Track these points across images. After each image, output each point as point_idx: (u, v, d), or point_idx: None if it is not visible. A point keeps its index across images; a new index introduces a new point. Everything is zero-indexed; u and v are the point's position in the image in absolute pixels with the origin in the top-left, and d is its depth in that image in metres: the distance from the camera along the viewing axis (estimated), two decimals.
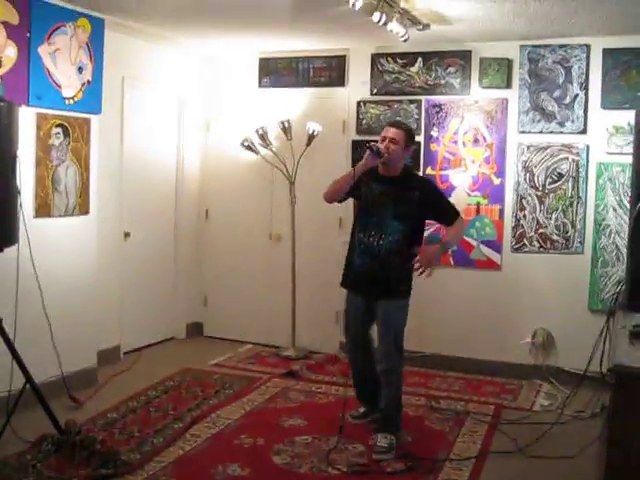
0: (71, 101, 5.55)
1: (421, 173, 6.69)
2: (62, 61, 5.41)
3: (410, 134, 4.89)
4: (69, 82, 5.50)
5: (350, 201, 6.92)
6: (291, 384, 6.11)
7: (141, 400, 5.57)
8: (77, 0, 5.37)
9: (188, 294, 7.69)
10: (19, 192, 4.43)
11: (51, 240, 5.45)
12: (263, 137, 6.88)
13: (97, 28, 5.73)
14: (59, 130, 5.46)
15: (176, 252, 7.58)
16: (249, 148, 6.92)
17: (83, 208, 5.77)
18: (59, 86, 5.41)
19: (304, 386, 6.07)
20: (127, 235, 6.75)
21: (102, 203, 6.07)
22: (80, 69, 5.60)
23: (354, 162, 6.89)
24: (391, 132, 4.78)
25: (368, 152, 4.69)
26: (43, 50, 5.23)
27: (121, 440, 4.71)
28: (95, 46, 5.72)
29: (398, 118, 6.67)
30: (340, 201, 5.12)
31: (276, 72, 7.32)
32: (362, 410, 5.22)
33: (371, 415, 5.12)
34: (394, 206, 4.72)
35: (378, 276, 4.76)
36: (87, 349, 5.92)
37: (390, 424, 4.77)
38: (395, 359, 4.80)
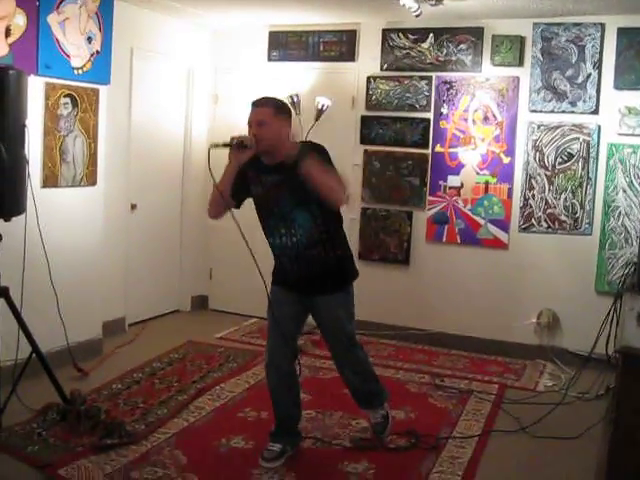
0: (80, 71, 5.51)
1: (430, 150, 6.66)
2: (71, 30, 5.37)
3: (282, 108, 4.04)
4: (78, 52, 5.47)
5: (358, 176, 6.93)
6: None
7: (146, 372, 5.59)
8: None
9: (193, 267, 7.69)
10: (27, 162, 4.42)
11: (58, 210, 5.44)
12: None
13: None
14: (67, 100, 5.44)
15: (182, 225, 7.58)
16: None
17: (90, 179, 5.75)
18: (68, 56, 5.37)
19: (308, 361, 6.07)
20: (134, 207, 6.74)
21: (109, 174, 6.06)
22: (89, 39, 5.56)
23: (362, 138, 6.89)
24: (255, 113, 3.97)
25: (231, 148, 4.01)
26: (52, 19, 5.19)
27: (126, 411, 4.74)
28: (104, 16, 5.68)
29: (408, 94, 6.65)
30: (236, 207, 4.37)
31: (286, 46, 7.26)
32: (277, 448, 4.20)
33: (290, 451, 4.26)
34: (290, 194, 3.98)
35: (310, 275, 4.21)
36: (93, 320, 5.94)
37: (375, 399, 4.54)
38: (356, 355, 4.46)
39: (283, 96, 6.74)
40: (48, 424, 4.40)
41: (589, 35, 6.11)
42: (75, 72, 5.47)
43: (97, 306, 5.99)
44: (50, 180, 5.36)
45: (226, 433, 4.48)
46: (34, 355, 4.56)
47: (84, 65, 5.54)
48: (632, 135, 5.97)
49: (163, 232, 7.31)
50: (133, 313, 6.83)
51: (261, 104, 3.99)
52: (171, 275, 7.47)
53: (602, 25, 6.07)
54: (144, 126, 6.78)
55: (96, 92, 5.73)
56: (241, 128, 7.24)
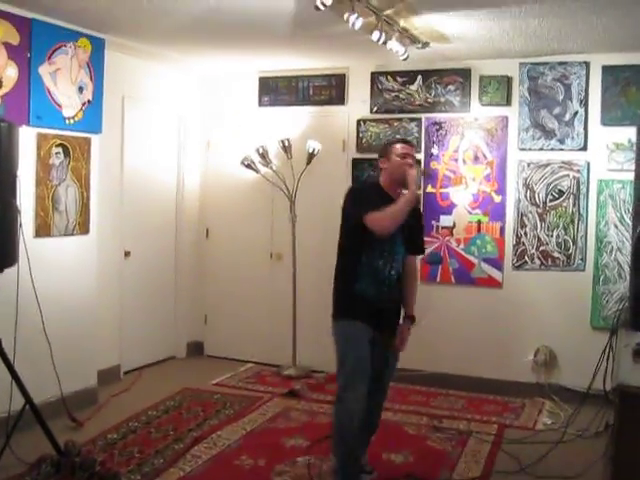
0: (71, 121, 5.55)
1: (422, 191, 6.69)
2: (62, 81, 5.43)
3: None
4: (69, 102, 5.51)
5: None
6: (292, 404, 6.08)
7: (142, 420, 5.53)
8: (78, 20, 5.40)
9: (188, 313, 7.67)
10: (19, 212, 4.43)
11: (51, 260, 5.43)
12: (263, 156, 6.88)
13: (97, 48, 5.75)
14: (59, 150, 5.47)
15: (176, 271, 7.57)
16: (249, 167, 6.91)
17: (83, 227, 5.76)
18: (59, 106, 5.42)
19: (305, 406, 6.04)
20: (127, 254, 6.74)
21: (102, 222, 6.06)
22: (80, 89, 5.61)
23: (354, 179, 6.92)
24: (410, 150, 4.33)
25: (421, 175, 4.27)
26: (44, 70, 5.25)
27: (121, 461, 4.68)
28: (95, 66, 5.74)
29: (398, 136, 6.69)
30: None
31: (276, 91, 7.33)
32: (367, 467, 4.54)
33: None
34: (402, 230, 4.18)
35: (392, 307, 4.39)
36: (87, 369, 5.90)
37: None
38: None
39: (274, 141, 6.84)
40: (42, 477, 4.33)
41: (574, 73, 6.19)
42: (66, 122, 5.51)
43: (91, 355, 5.95)
44: (43, 230, 5.36)
45: None
46: (27, 406, 4.51)
47: (75, 115, 5.59)
48: (621, 170, 6.01)
49: (157, 279, 7.30)
50: (128, 361, 6.78)
51: (410, 143, 4.46)
52: (166, 322, 7.44)
53: (587, 63, 6.15)
54: (136, 174, 6.81)
55: (88, 141, 5.77)
56: (234, 173, 7.31)
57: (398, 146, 4.31)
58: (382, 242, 4.18)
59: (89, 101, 5.71)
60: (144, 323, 7.05)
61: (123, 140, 6.59)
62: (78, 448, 4.65)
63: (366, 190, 4.50)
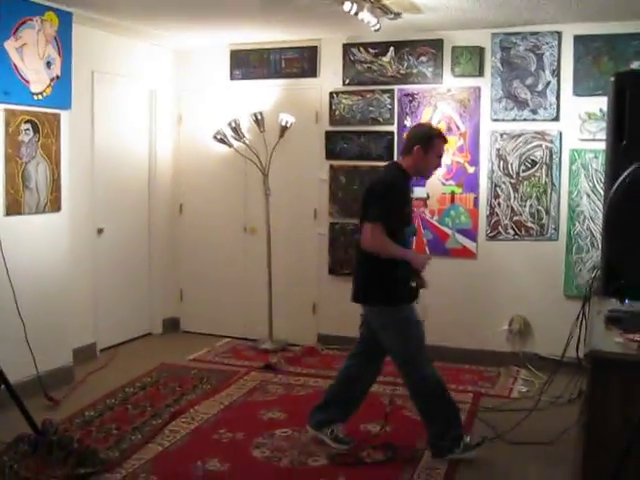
0: (40, 96, 5.47)
1: None
2: (30, 56, 5.33)
3: None
4: (37, 77, 5.42)
5: (324, 192, 6.95)
6: (269, 377, 6.10)
7: (118, 397, 5.52)
8: None
9: (164, 289, 7.64)
10: None
11: (23, 238, 5.38)
12: (236, 130, 6.83)
13: (65, 22, 5.65)
14: (28, 126, 5.39)
15: (150, 247, 7.52)
16: (222, 141, 6.87)
17: (55, 205, 5.70)
18: (27, 81, 5.33)
19: (282, 379, 6.06)
20: (100, 231, 6.69)
21: (74, 199, 6.00)
22: (48, 64, 5.52)
23: (328, 153, 6.90)
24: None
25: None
26: (9, 45, 5.15)
27: (99, 438, 4.67)
28: (63, 40, 5.64)
29: (371, 109, 6.69)
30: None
31: (247, 64, 7.27)
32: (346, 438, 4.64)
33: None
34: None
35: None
36: (62, 347, 5.86)
37: None
38: None
39: (246, 114, 6.79)
40: (19, 456, 4.29)
41: (547, 43, 6.19)
42: (35, 97, 5.42)
43: (67, 333, 5.91)
44: (13, 208, 5.29)
45: (201, 456, 4.42)
46: (3, 386, 4.48)
47: (44, 90, 5.50)
48: (593, 140, 6.04)
49: (131, 255, 7.25)
50: (104, 338, 6.75)
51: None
52: (141, 298, 7.41)
53: (559, 33, 6.15)
54: (108, 149, 6.74)
55: (57, 117, 5.69)
56: (206, 148, 7.26)
57: (441, 145, 4.42)
58: (407, 227, 4.39)
59: (57, 76, 5.62)
60: (119, 300, 7.01)
61: (93, 115, 6.51)
62: (55, 426, 4.63)
63: (397, 192, 4.34)
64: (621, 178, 2.20)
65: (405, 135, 4.61)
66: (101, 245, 6.70)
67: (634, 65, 5.93)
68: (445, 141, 4.49)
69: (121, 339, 7.06)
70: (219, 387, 5.81)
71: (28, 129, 5.39)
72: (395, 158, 6.66)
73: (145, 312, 7.49)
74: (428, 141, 4.34)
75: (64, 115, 5.77)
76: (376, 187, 4.34)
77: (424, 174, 4.52)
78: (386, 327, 4.37)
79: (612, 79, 2.33)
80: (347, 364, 4.72)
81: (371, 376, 4.71)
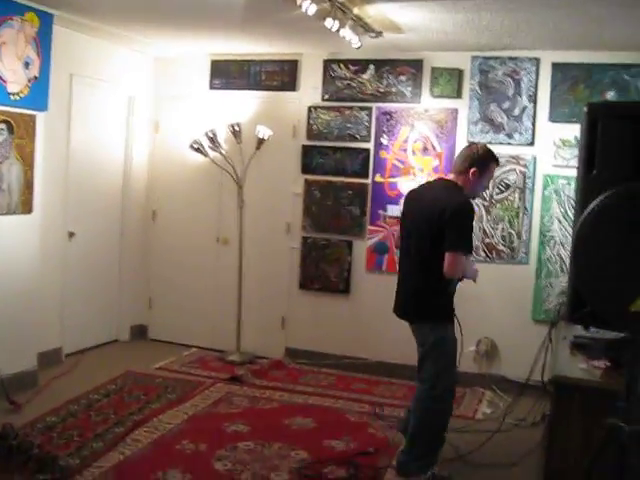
0: (16, 97, 5.43)
1: (370, 180, 6.74)
2: (8, 55, 5.30)
3: None
4: (15, 77, 5.39)
5: (298, 206, 6.95)
6: (235, 389, 6.07)
7: (82, 403, 5.46)
8: None
9: (133, 296, 7.59)
10: None
11: None
12: (212, 140, 6.82)
13: (45, 23, 5.63)
14: (3, 126, 5.35)
15: (121, 253, 7.48)
16: (198, 150, 6.85)
17: (26, 207, 5.65)
18: (4, 81, 5.29)
19: (248, 391, 6.03)
20: (72, 235, 6.64)
21: (46, 202, 5.96)
22: (27, 64, 5.49)
23: (303, 167, 6.92)
24: None
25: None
26: None
27: (60, 444, 4.62)
28: (43, 41, 5.61)
29: (349, 125, 6.73)
30: None
31: (228, 74, 7.28)
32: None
33: None
34: None
35: None
36: (27, 351, 5.79)
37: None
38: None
39: (224, 125, 6.80)
40: None
41: (525, 69, 6.26)
42: (11, 98, 5.38)
43: (31, 336, 5.84)
44: None
45: (163, 466, 4.38)
46: None
47: (21, 91, 5.46)
48: (567, 167, 6.11)
49: (102, 260, 7.20)
50: (70, 343, 6.68)
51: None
52: (110, 304, 7.36)
53: (537, 60, 6.23)
54: (83, 153, 6.70)
55: (33, 118, 5.65)
56: (182, 156, 7.24)
57: (494, 169, 4.48)
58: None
59: (35, 77, 5.59)
60: (87, 305, 6.95)
61: (70, 118, 6.47)
62: (16, 431, 4.57)
63: (472, 217, 4.31)
64: (590, 207, 2.22)
65: (458, 154, 4.50)
66: (71, 249, 6.65)
67: (609, 95, 6.02)
68: (498, 164, 4.54)
69: (87, 344, 7.00)
70: (184, 397, 5.77)
71: (3, 129, 5.35)
72: (370, 175, 6.70)
73: (113, 318, 7.43)
74: (485, 164, 4.32)
75: (40, 117, 5.73)
76: (455, 211, 4.13)
77: (474, 195, 4.52)
78: (428, 342, 4.35)
79: (585, 109, 2.36)
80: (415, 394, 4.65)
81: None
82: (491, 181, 6.22)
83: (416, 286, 4.34)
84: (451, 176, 4.44)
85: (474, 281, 4.40)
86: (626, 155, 2.29)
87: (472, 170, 4.27)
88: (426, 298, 4.31)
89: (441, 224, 4.10)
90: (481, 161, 4.31)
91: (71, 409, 5.32)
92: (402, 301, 4.47)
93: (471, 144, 4.60)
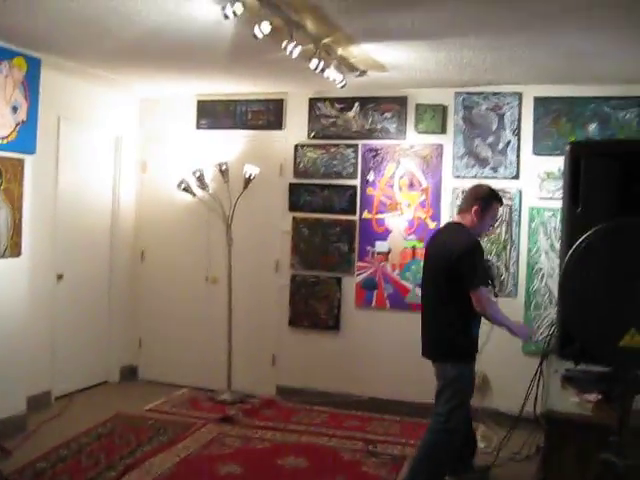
0: (4, 141, 5.45)
1: (357, 217, 6.78)
2: None
3: None
4: (3, 121, 5.42)
5: (287, 243, 6.97)
6: (227, 429, 6.03)
7: (72, 448, 5.41)
8: (14, 39, 5.32)
9: (123, 337, 7.55)
10: None
11: None
12: (200, 179, 6.86)
13: (33, 67, 5.67)
14: None
15: (110, 294, 7.46)
16: (186, 190, 6.89)
17: (15, 250, 5.65)
18: None
19: (240, 431, 5.99)
20: (60, 277, 6.62)
21: (35, 244, 5.96)
22: (15, 108, 5.52)
23: (291, 205, 6.95)
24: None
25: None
26: None
27: None
28: (31, 85, 5.66)
29: (335, 162, 6.79)
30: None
31: (214, 114, 7.33)
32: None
33: None
34: None
35: None
36: (16, 395, 5.75)
37: None
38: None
39: (211, 164, 6.84)
40: None
41: (507, 104, 6.34)
42: None
43: (20, 380, 5.80)
44: None
45: None
46: None
47: (9, 135, 5.49)
48: (552, 199, 6.16)
49: (91, 302, 7.18)
50: (60, 386, 6.64)
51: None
52: (99, 345, 7.31)
53: (519, 94, 6.32)
54: (71, 195, 6.72)
55: (21, 162, 5.67)
56: (170, 196, 7.26)
57: (497, 209, 4.71)
58: (486, 287, 4.54)
59: (23, 121, 5.62)
60: (77, 347, 6.91)
61: (58, 161, 6.49)
62: (5, 477, 4.53)
63: (482, 254, 4.58)
64: (576, 244, 2.25)
65: (465, 195, 4.80)
66: (60, 291, 6.63)
67: (591, 127, 6.11)
68: (501, 204, 4.74)
69: (77, 387, 6.94)
70: (176, 439, 5.72)
71: None
72: (357, 211, 6.74)
73: (103, 359, 7.38)
74: (487, 202, 4.57)
75: (28, 160, 5.75)
76: (463, 252, 4.37)
77: (479, 234, 4.69)
78: (448, 377, 4.50)
79: (567, 147, 2.40)
80: None
81: (467, 424, 4.85)
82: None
83: (437, 326, 4.56)
84: (457, 217, 4.75)
85: (525, 340, 4.50)
86: (609, 192, 2.33)
87: (474, 208, 4.53)
88: (447, 337, 4.50)
89: (451, 265, 4.35)
90: (483, 199, 4.57)
91: (61, 454, 5.27)
92: (426, 341, 4.66)
93: (475, 185, 4.84)
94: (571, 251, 2.28)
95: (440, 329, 4.53)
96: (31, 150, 5.77)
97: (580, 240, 2.26)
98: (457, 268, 4.34)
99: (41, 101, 5.82)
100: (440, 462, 4.51)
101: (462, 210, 4.66)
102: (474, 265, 4.38)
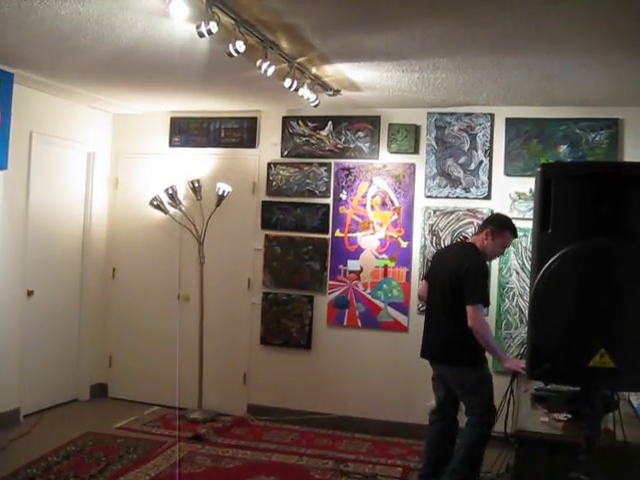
0: None
1: (329, 235, 6.80)
2: None
3: None
4: None
5: (259, 261, 6.96)
6: (197, 448, 5.99)
7: (41, 467, 5.34)
8: None
9: (93, 354, 7.49)
10: None
11: None
12: (172, 196, 6.84)
13: (6, 82, 5.66)
14: None
15: (81, 311, 7.40)
16: (158, 207, 6.86)
17: None
18: None
19: (211, 450, 5.96)
20: (30, 293, 6.56)
21: (5, 260, 5.92)
22: None
23: (263, 223, 6.96)
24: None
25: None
26: None
27: None
28: (3, 100, 5.64)
29: (308, 180, 6.81)
30: None
31: (187, 131, 7.33)
32: None
33: None
34: None
35: None
36: None
37: None
38: None
39: (184, 181, 6.83)
40: None
41: (480, 124, 6.41)
42: None
43: None
44: None
45: None
46: None
47: None
48: (523, 219, 6.20)
49: (61, 319, 7.12)
50: (29, 403, 6.56)
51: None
52: (69, 363, 7.25)
53: (492, 115, 6.39)
54: (42, 211, 6.67)
55: None
56: (142, 213, 7.23)
57: (509, 238, 4.92)
58: (485, 306, 4.84)
59: None
60: (46, 364, 6.84)
61: (29, 176, 6.45)
62: None
63: (486, 273, 4.94)
64: (546, 265, 2.28)
65: (483, 219, 5.33)
66: (30, 307, 6.57)
67: (561, 148, 6.19)
68: (515, 236, 4.98)
69: (47, 404, 6.87)
70: (146, 457, 5.68)
71: None
72: (330, 230, 6.76)
73: (73, 377, 7.31)
74: (499, 228, 4.83)
75: (0, 175, 5.71)
76: (470, 268, 4.67)
77: (486, 257, 4.92)
78: (470, 381, 4.74)
79: (538, 169, 2.44)
80: (434, 431, 5.06)
81: (454, 428, 5.03)
82: (449, 234, 6.35)
83: (449, 334, 4.77)
84: (471, 239, 5.12)
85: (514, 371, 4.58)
86: (579, 214, 2.36)
87: (486, 230, 4.85)
88: (463, 344, 4.67)
89: (459, 279, 4.65)
90: (496, 224, 4.89)
91: (29, 473, 5.20)
92: (437, 347, 4.91)
93: (497, 213, 5.33)
94: (541, 272, 2.31)
95: (454, 336, 4.73)
96: (2, 165, 5.75)
97: (550, 261, 2.29)
98: (463, 283, 4.63)
99: (13, 115, 5.79)
100: (478, 456, 4.74)
101: (476, 232, 5.10)
102: (476, 282, 4.66)
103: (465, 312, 4.60)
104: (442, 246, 6.42)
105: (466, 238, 6.14)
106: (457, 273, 4.68)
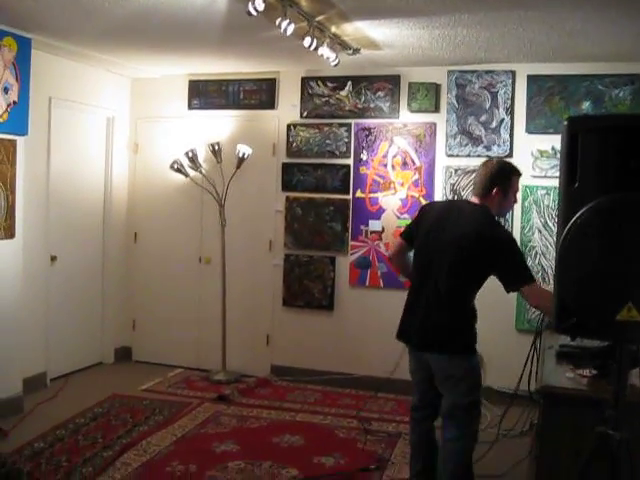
0: None
1: (350, 196, 6.77)
2: None
3: None
4: None
5: (280, 223, 6.97)
6: (222, 409, 6.05)
7: (69, 428, 5.43)
8: (3, 18, 5.27)
9: (116, 318, 7.56)
10: None
11: None
12: (192, 160, 6.84)
13: (24, 47, 5.63)
14: None
15: (104, 276, 7.45)
16: (178, 170, 6.87)
17: (8, 232, 5.63)
18: None
19: (235, 410, 6.02)
20: (54, 259, 6.61)
21: (28, 226, 5.94)
22: (5, 89, 5.48)
23: (284, 184, 6.94)
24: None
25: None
26: None
27: (49, 471, 4.59)
28: (21, 66, 5.61)
29: (328, 141, 6.77)
30: None
31: (206, 94, 7.30)
32: None
33: None
34: None
35: None
36: (11, 377, 5.76)
37: None
38: None
39: (204, 144, 6.81)
40: None
41: (501, 82, 6.33)
42: None
43: (16, 362, 5.81)
44: None
45: None
46: None
47: (0, 116, 5.46)
48: (545, 177, 6.18)
49: (84, 284, 7.17)
50: (55, 367, 6.65)
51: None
52: (93, 327, 7.32)
53: (513, 72, 6.31)
54: (63, 176, 6.70)
55: (13, 143, 5.64)
56: (162, 177, 7.24)
57: (517, 182, 4.07)
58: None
59: (14, 102, 5.58)
60: (71, 329, 6.92)
61: (50, 142, 6.46)
62: (3, 458, 4.54)
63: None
64: (573, 219, 2.26)
65: (476, 175, 4.14)
66: (54, 273, 6.62)
67: (584, 105, 6.11)
68: (520, 175, 4.11)
69: (72, 368, 6.96)
70: (172, 418, 5.75)
71: None
72: (350, 191, 6.74)
73: (97, 341, 7.40)
74: (506, 180, 3.99)
75: (20, 141, 5.72)
76: (504, 241, 3.89)
77: (503, 214, 4.44)
78: (457, 375, 3.99)
79: (565, 123, 2.40)
80: (425, 429, 4.36)
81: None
82: (470, 193, 6.30)
83: (454, 320, 4.03)
84: (474, 199, 4.06)
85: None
86: (607, 167, 2.33)
87: (494, 190, 3.96)
88: (455, 332, 4.01)
89: (484, 252, 3.87)
90: (501, 178, 3.99)
91: (58, 434, 5.28)
92: (431, 334, 4.07)
93: (486, 161, 4.18)
94: (568, 227, 2.29)
95: (451, 322, 4.01)
96: (23, 131, 5.74)
97: (577, 216, 2.27)
98: (499, 261, 3.86)
99: (32, 82, 5.78)
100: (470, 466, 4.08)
101: (480, 194, 4.00)
102: (520, 253, 3.97)
103: (470, 292, 4.03)
104: None
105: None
106: (479, 245, 3.85)
